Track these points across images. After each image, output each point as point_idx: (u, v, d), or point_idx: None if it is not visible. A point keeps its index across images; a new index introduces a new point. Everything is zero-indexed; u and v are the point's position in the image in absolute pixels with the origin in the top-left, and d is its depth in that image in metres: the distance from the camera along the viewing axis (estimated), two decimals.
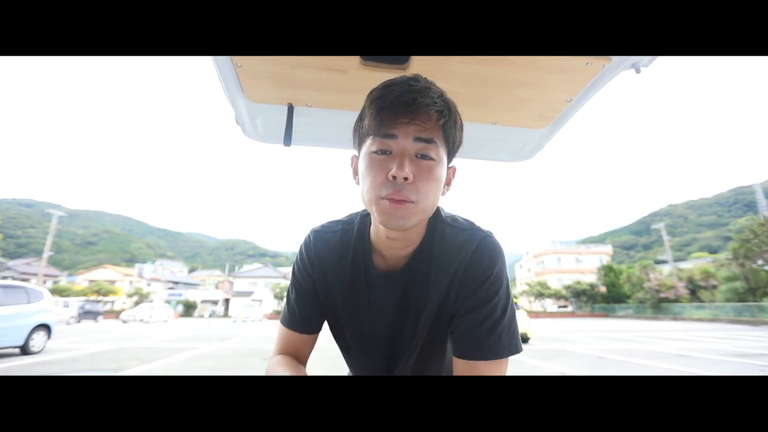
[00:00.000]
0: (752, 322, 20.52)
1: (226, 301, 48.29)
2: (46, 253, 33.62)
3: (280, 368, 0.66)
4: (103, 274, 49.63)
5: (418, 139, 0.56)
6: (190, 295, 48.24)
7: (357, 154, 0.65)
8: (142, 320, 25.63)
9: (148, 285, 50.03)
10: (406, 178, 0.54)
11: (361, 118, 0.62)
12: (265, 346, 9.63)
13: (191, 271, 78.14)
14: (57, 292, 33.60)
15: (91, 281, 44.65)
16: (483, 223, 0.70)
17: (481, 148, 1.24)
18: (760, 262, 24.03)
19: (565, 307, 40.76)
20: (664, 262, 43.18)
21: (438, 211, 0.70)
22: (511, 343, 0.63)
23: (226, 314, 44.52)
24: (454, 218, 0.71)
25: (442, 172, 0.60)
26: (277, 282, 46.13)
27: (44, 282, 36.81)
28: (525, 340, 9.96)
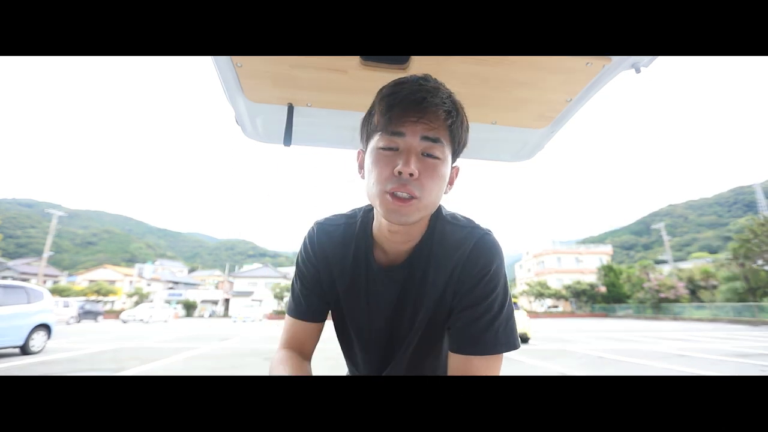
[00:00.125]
0: (752, 322, 20.52)
1: (226, 301, 48.30)
2: (46, 253, 33.63)
3: (282, 366, 0.67)
4: (103, 274, 49.63)
5: (425, 138, 0.57)
6: (190, 295, 48.25)
7: (363, 149, 0.66)
8: (142, 320, 25.63)
9: (148, 285, 50.03)
10: (411, 174, 0.56)
11: (370, 114, 0.63)
12: (265, 346, 9.63)
13: (191, 271, 78.16)
14: (57, 292, 33.59)
15: (91, 281, 44.64)
16: (483, 222, 0.70)
17: (481, 148, 1.24)
18: (760, 262, 24.03)
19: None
20: (664, 262, 43.19)
21: (439, 208, 0.71)
22: (509, 339, 0.63)
23: (226, 314, 44.53)
24: (454, 216, 0.72)
25: (447, 170, 0.61)
26: (277, 282, 46.07)
27: (44, 282, 36.81)
28: (525, 340, 9.96)
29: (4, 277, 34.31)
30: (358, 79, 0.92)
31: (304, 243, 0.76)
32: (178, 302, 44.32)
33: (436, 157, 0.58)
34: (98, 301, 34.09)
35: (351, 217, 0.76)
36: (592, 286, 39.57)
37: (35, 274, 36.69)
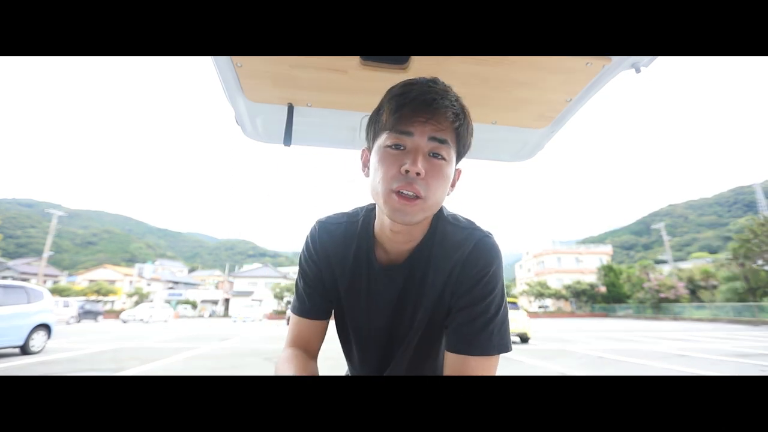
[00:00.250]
0: (752, 322, 20.52)
1: (226, 301, 48.30)
2: (46, 253, 33.63)
3: (288, 365, 0.68)
4: (103, 274, 49.64)
5: (433, 139, 0.58)
6: (190, 295, 48.25)
7: (368, 147, 0.67)
8: (142, 320, 25.64)
9: (148, 285, 50.04)
10: (418, 174, 0.56)
11: (377, 113, 0.63)
12: (266, 346, 9.63)
13: (191, 271, 78.15)
14: (57, 292, 33.60)
15: (91, 281, 44.65)
16: (483, 223, 0.70)
17: (481, 148, 1.24)
18: (760, 262, 24.03)
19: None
20: (664, 262, 43.18)
21: (441, 209, 0.72)
22: (502, 341, 0.64)
23: (226, 314, 44.53)
24: (455, 217, 0.72)
25: (451, 172, 0.62)
26: (277, 282, 46.06)
27: (44, 282, 36.81)
28: (525, 339, 9.96)
29: (4, 277, 34.32)
30: (358, 79, 0.92)
31: (306, 242, 0.76)
32: (178, 302, 44.32)
33: (443, 158, 0.59)
34: (98, 301, 34.07)
35: (353, 216, 0.76)
36: (592, 286, 39.57)
37: (35, 274, 36.70)
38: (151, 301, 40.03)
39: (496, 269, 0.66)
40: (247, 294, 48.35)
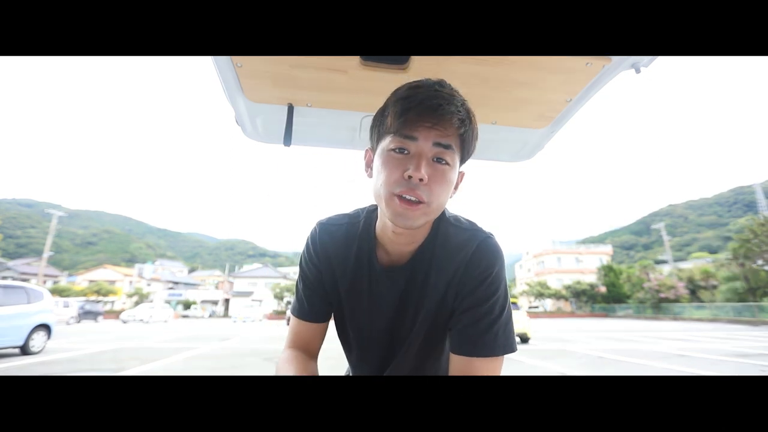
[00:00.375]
0: (752, 322, 20.52)
1: (226, 301, 48.30)
2: (46, 253, 33.63)
3: (288, 366, 0.68)
4: (103, 274, 49.65)
5: (437, 144, 0.58)
6: (190, 295, 48.24)
7: (372, 149, 0.67)
8: (142, 320, 25.64)
9: (148, 285, 50.05)
10: (421, 179, 0.56)
11: (382, 115, 0.63)
12: (265, 346, 9.63)
13: (191, 271, 78.14)
14: (57, 292, 33.61)
15: (91, 281, 44.65)
16: (483, 223, 0.70)
17: (481, 148, 1.23)
18: (760, 262, 24.03)
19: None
20: (664, 262, 43.19)
21: (443, 211, 0.71)
22: (507, 342, 0.64)
23: (226, 314, 44.52)
24: (457, 218, 0.72)
25: (454, 176, 0.62)
26: (277, 282, 46.08)
27: (44, 282, 36.80)
28: (525, 340, 9.96)
29: (4, 277, 34.33)
30: (358, 79, 0.92)
31: (307, 243, 0.76)
32: (177, 302, 44.32)
33: (446, 163, 0.59)
34: (98, 302, 34.08)
35: (354, 217, 0.76)
36: (592, 286, 39.56)
37: (35, 274, 36.69)
38: (151, 301, 40.04)
39: (499, 270, 0.66)
40: (247, 294, 48.35)
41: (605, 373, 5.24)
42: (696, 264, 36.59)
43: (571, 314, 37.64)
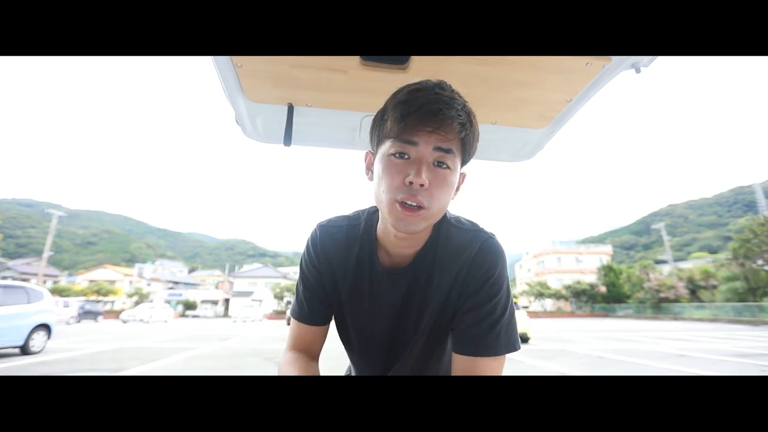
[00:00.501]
0: (752, 322, 20.52)
1: (226, 301, 48.30)
2: (46, 253, 33.63)
3: (290, 367, 0.68)
4: (103, 274, 49.64)
5: (438, 149, 0.58)
6: (190, 295, 48.24)
7: (372, 151, 0.66)
8: (142, 320, 25.64)
9: (148, 285, 50.04)
10: (422, 185, 0.56)
11: (382, 118, 0.62)
12: (266, 346, 9.63)
13: (191, 271, 78.15)
14: (57, 292, 33.60)
15: (91, 281, 44.65)
16: (484, 223, 0.71)
17: (481, 148, 1.23)
18: (760, 262, 24.03)
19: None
20: (664, 262, 43.17)
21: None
22: (510, 341, 0.64)
23: (226, 314, 44.53)
24: (458, 219, 0.72)
25: (455, 179, 0.62)
26: (277, 282, 46.09)
27: (44, 282, 36.80)
28: (525, 340, 9.96)
29: (4, 277, 34.33)
30: (358, 79, 0.92)
31: (307, 245, 0.76)
32: (178, 302, 44.30)
33: (447, 167, 0.59)
34: (98, 301, 34.08)
35: (354, 218, 0.76)
36: (592, 286, 39.55)
37: (35, 274, 36.68)
38: (151, 301, 40.04)
39: (501, 270, 0.66)
40: (247, 294, 48.35)
41: (605, 373, 5.24)
42: (696, 264, 36.59)
43: (571, 314, 37.64)
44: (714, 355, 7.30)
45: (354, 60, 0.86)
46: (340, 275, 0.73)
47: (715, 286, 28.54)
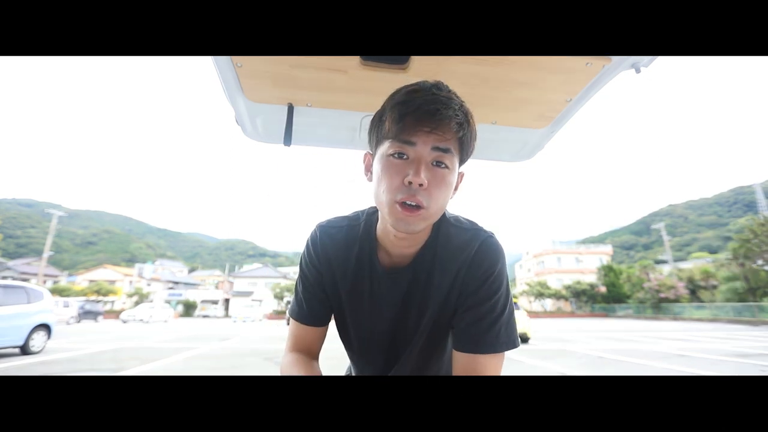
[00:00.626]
0: (752, 322, 20.53)
1: (226, 301, 48.30)
2: (46, 253, 33.64)
3: (292, 368, 0.68)
4: (103, 274, 49.64)
5: (436, 149, 0.58)
6: (190, 295, 48.24)
7: (371, 152, 0.67)
8: (142, 320, 25.64)
9: (148, 285, 50.04)
10: (421, 184, 0.57)
11: (380, 119, 0.63)
12: (266, 346, 9.63)
13: (191, 271, 78.13)
14: (57, 292, 33.60)
15: (91, 281, 44.65)
16: (483, 223, 0.71)
17: (481, 148, 1.24)
18: (760, 262, 24.03)
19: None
20: (664, 262, 43.18)
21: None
22: (510, 338, 0.65)
23: (226, 314, 44.53)
24: (457, 219, 0.73)
25: (454, 179, 0.62)
26: (277, 282, 46.07)
27: (44, 282, 36.80)
28: (525, 339, 9.96)
29: (4, 277, 34.32)
30: (358, 79, 0.92)
31: (307, 246, 0.76)
32: (178, 302, 44.31)
33: (446, 167, 0.59)
34: (98, 301, 34.06)
35: (354, 219, 0.76)
36: (592, 286, 39.53)
37: (35, 274, 36.69)
38: (151, 301, 40.04)
39: (501, 268, 0.67)
40: (247, 294, 48.36)
41: (605, 373, 5.24)
42: (696, 264, 36.60)
43: (571, 314, 37.62)
44: (714, 355, 7.31)
45: (354, 60, 0.86)
46: (340, 275, 0.73)
47: (715, 286, 28.55)
